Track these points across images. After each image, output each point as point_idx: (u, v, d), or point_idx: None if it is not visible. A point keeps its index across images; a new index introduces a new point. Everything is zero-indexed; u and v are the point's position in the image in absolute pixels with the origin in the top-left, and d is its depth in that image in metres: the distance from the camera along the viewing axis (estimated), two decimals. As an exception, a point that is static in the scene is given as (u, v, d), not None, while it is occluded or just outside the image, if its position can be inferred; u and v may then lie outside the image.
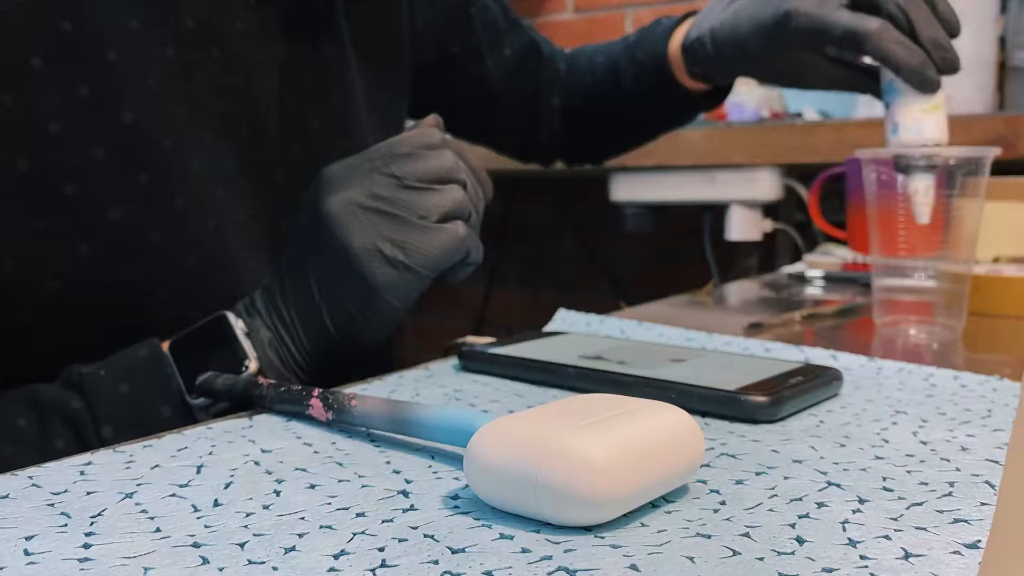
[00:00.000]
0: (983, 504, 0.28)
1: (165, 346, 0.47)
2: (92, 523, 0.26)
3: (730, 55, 0.68)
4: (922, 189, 0.55)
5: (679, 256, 1.81)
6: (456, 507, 0.28)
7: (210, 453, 0.33)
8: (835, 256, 0.93)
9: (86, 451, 0.40)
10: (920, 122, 0.56)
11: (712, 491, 0.29)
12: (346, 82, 0.62)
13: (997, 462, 0.32)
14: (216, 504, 0.28)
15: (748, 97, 1.58)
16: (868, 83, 0.63)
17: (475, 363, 0.47)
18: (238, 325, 0.46)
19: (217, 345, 0.46)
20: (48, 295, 0.47)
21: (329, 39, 0.61)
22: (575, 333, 0.54)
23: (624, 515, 0.27)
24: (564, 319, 0.59)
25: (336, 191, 0.46)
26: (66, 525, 0.26)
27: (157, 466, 0.32)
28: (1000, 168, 0.64)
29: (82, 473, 0.31)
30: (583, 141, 0.87)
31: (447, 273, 0.49)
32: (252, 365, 0.46)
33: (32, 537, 0.25)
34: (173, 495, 0.29)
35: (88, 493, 0.29)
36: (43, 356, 0.48)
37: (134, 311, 0.50)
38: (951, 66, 0.57)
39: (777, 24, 0.61)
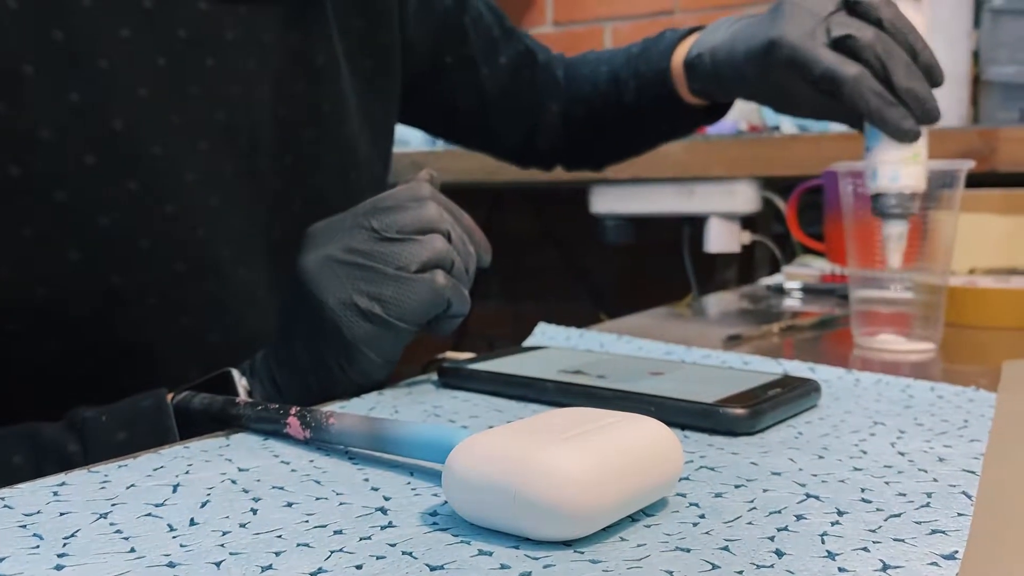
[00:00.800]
0: (960, 515, 0.28)
1: (171, 397, 0.46)
2: (65, 544, 0.26)
3: (728, 75, 0.68)
4: (895, 235, 0.55)
5: (659, 268, 1.82)
6: (435, 523, 0.28)
7: (186, 472, 0.33)
8: (813, 268, 0.94)
9: None
10: (897, 171, 0.55)
11: (691, 504, 0.29)
12: (338, 92, 0.62)
13: (973, 472, 0.32)
14: (192, 523, 0.28)
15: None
16: (853, 118, 0.63)
17: (454, 379, 0.47)
18: (241, 383, 0.46)
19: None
20: (38, 301, 0.47)
21: (321, 49, 0.61)
22: (555, 347, 0.54)
23: (603, 529, 0.27)
24: (544, 333, 0.59)
25: (315, 248, 0.45)
26: (38, 547, 0.26)
27: (132, 486, 0.31)
28: (975, 181, 0.64)
29: (55, 494, 0.30)
30: (584, 149, 0.87)
31: (431, 325, 0.46)
32: None
33: (3, 559, 0.25)
34: (148, 515, 0.29)
35: (61, 514, 0.29)
36: (33, 362, 0.48)
37: (124, 318, 0.50)
38: (930, 117, 0.56)
39: (764, 51, 0.61)
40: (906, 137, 0.56)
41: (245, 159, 0.55)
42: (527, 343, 0.57)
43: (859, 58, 0.57)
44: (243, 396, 0.45)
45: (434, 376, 0.48)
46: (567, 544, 0.26)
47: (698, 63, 0.71)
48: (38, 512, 0.29)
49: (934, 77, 0.58)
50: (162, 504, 0.29)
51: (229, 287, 0.53)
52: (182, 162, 0.51)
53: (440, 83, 0.78)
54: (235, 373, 0.46)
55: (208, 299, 0.52)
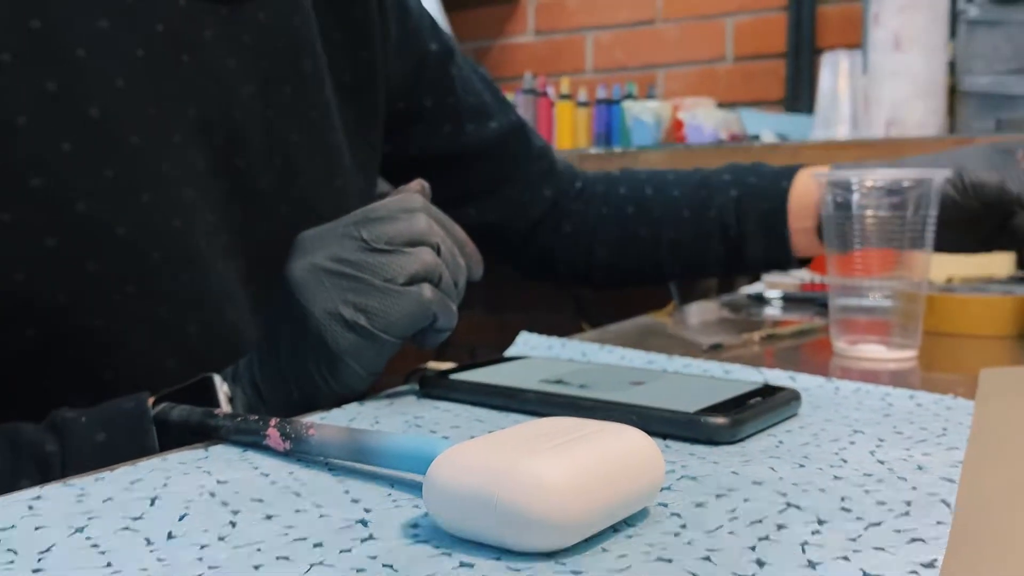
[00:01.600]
0: (939, 523, 0.28)
1: (152, 401, 0.46)
2: (40, 559, 0.26)
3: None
4: None
5: (641, 277, 1.82)
6: (416, 536, 0.27)
7: (164, 485, 0.32)
8: (793, 277, 0.94)
9: None
10: None
11: (673, 514, 0.29)
12: (323, 100, 0.63)
13: (952, 480, 0.32)
14: (170, 537, 0.27)
15: (707, 120, 1.61)
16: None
17: (436, 389, 0.47)
18: (222, 389, 0.45)
19: (202, 407, 0.45)
20: (14, 287, 0.47)
21: (307, 55, 0.61)
22: (536, 357, 0.54)
23: (585, 540, 0.26)
24: (526, 343, 0.59)
25: (304, 256, 0.45)
26: (13, 562, 0.26)
27: (109, 499, 0.31)
28: (951, 189, 0.65)
29: (31, 508, 0.30)
30: (590, 259, 0.81)
31: (416, 338, 0.46)
32: None
33: (-23, 575, 0.25)
34: (126, 528, 0.28)
35: (37, 528, 0.28)
36: (9, 348, 0.48)
37: (101, 306, 0.50)
38: None
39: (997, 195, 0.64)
40: None
41: (222, 156, 0.55)
42: (509, 352, 0.57)
43: None
44: (224, 402, 0.45)
45: (415, 386, 0.48)
46: (549, 555, 0.26)
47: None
48: (12, 526, 0.28)
49: None
50: (140, 517, 0.29)
51: (207, 281, 0.53)
52: (158, 153, 0.51)
53: (415, 127, 0.75)
54: (216, 379, 0.45)
55: (186, 291, 0.52)
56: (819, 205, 0.69)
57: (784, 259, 0.75)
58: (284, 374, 0.45)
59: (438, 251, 0.45)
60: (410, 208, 0.45)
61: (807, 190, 0.73)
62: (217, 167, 0.55)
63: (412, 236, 0.44)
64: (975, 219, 0.65)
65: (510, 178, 0.79)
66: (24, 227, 0.47)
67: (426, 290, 0.44)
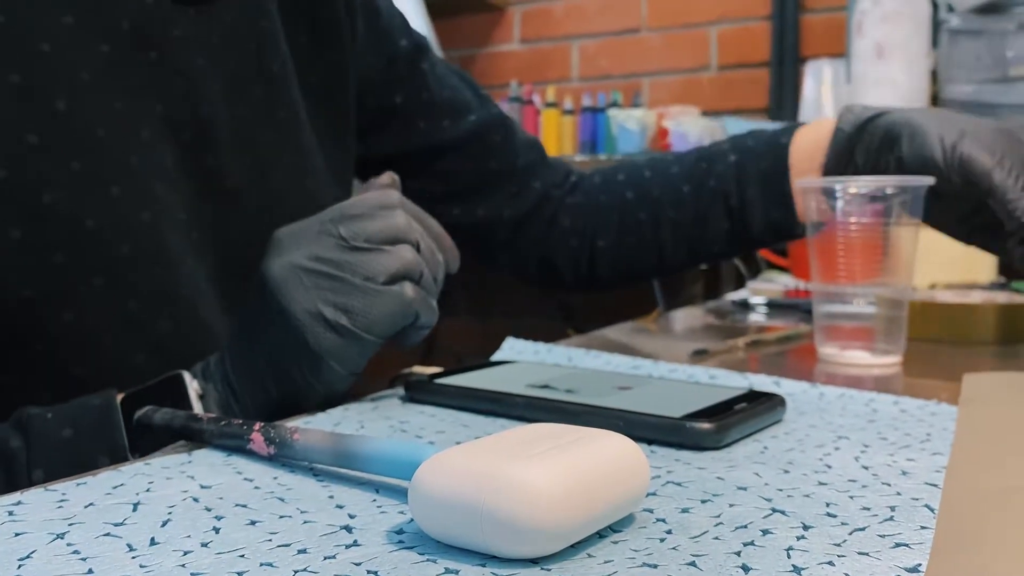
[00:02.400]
0: (923, 528, 0.28)
1: (121, 397, 0.45)
2: (20, 566, 0.25)
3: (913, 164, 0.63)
4: None
5: (626, 284, 1.83)
6: (401, 542, 0.27)
7: (147, 490, 0.32)
8: (777, 283, 0.95)
9: (13, 490, 0.39)
10: None
11: (658, 520, 0.29)
12: (292, 99, 0.63)
13: (936, 485, 0.32)
14: (153, 543, 0.27)
15: (691, 128, 1.61)
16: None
17: (421, 394, 0.46)
18: (192, 386, 0.45)
19: (171, 404, 0.45)
20: None
21: (274, 56, 0.62)
22: (523, 362, 0.54)
23: (571, 546, 0.26)
24: (512, 348, 0.59)
25: (281, 254, 0.45)
26: (-8, 569, 0.25)
27: (91, 504, 0.31)
28: (934, 197, 0.65)
29: (11, 514, 0.30)
30: (593, 258, 0.78)
31: (398, 337, 0.46)
32: None
33: (-45, 582, 0.24)
34: (107, 534, 0.28)
35: (16, 535, 0.28)
36: None
37: (71, 299, 0.49)
38: None
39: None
40: None
41: (190, 154, 0.55)
42: (495, 357, 0.57)
43: None
44: (194, 399, 0.45)
45: (401, 391, 0.48)
46: (534, 562, 0.26)
47: (885, 131, 0.64)
48: (-8, 533, 0.28)
49: None
50: (122, 523, 0.29)
51: (177, 277, 0.53)
52: (126, 147, 0.51)
53: (389, 125, 0.74)
54: (186, 376, 0.45)
55: (156, 286, 0.52)
56: (825, 160, 0.67)
57: (790, 222, 0.71)
58: (260, 372, 0.45)
59: (417, 248, 0.45)
60: (388, 204, 0.45)
61: (809, 144, 0.69)
62: (186, 164, 0.55)
63: (391, 234, 0.44)
64: (954, 194, 0.62)
65: (495, 171, 0.77)
66: None
67: (407, 288, 0.44)
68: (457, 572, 0.25)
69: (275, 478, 0.34)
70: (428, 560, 0.26)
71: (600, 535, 0.28)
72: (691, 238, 0.74)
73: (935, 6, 1.34)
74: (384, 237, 0.44)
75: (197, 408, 0.45)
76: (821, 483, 0.33)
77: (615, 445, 0.29)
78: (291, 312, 0.43)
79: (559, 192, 0.79)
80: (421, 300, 0.44)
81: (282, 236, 0.46)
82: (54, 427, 0.44)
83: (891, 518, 0.29)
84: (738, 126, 1.69)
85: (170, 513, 0.30)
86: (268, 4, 0.62)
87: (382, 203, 0.45)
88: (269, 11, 0.62)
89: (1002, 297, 0.70)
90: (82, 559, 0.26)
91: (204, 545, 0.27)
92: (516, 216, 0.78)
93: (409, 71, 0.74)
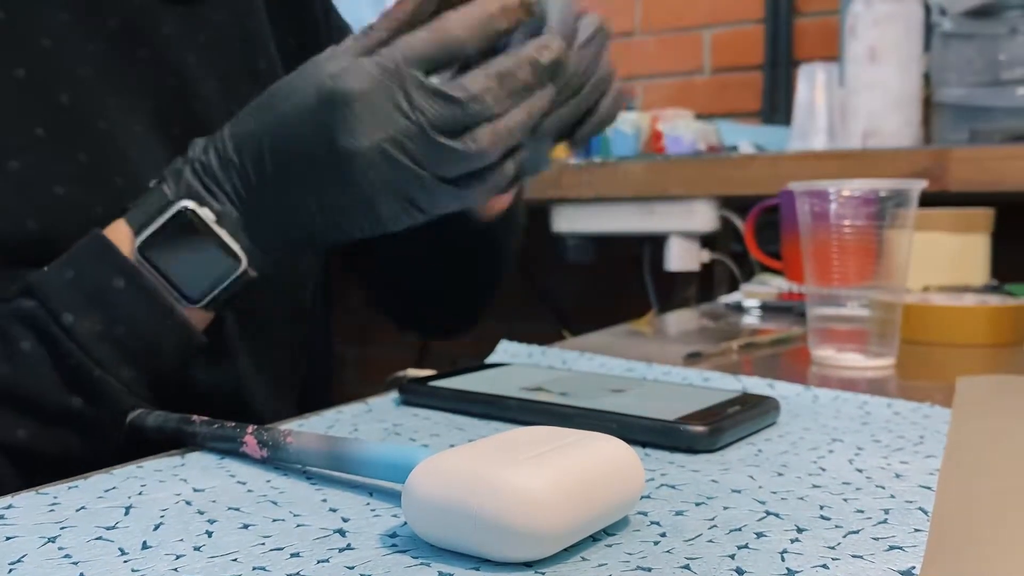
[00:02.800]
0: (917, 530, 0.28)
1: (107, 229, 0.46)
2: (10, 570, 0.25)
3: None
4: None
5: (620, 286, 1.83)
6: (394, 545, 0.27)
7: (139, 493, 0.32)
8: (771, 286, 0.95)
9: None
10: None
11: (652, 523, 0.29)
12: None
13: (929, 488, 0.32)
14: (145, 547, 0.27)
15: (685, 131, 1.61)
16: None
17: (415, 397, 0.46)
18: (206, 215, 0.46)
19: (191, 245, 0.46)
20: None
21: (261, 57, 0.62)
22: (517, 365, 0.53)
23: (565, 550, 0.26)
24: (506, 351, 0.59)
25: (366, 129, 0.43)
26: (-17, 573, 0.25)
27: (83, 508, 0.30)
28: (927, 200, 0.66)
29: (1, 517, 0.29)
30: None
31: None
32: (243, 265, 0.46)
33: (-55, 587, 0.24)
34: (99, 538, 0.28)
35: (7, 538, 0.28)
36: None
37: None
38: None
39: None
40: None
41: (181, 149, 0.56)
42: (489, 360, 0.57)
43: None
44: (226, 238, 0.46)
45: (395, 393, 0.48)
46: (528, 565, 0.25)
47: None
48: (-17, 537, 0.28)
49: None
50: (113, 527, 0.29)
51: None
52: (124, 139, 0.52)
53: None
54: (191, 206, 0.45)
55: None
56: None
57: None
58: (310, 214, 0.46)
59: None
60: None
61: None
62: (175, 159, 0.55)
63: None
64: None
65: None
66: (5, 211, 0.47)
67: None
68: (451, 575, 0.25)
69: (268, 481, 0.33)
70: (422, 564, 0.26)
71: (594, 538, 0.28)
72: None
73: (927, 9, 1.35)
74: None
75: (234, 247, 0.46)
76: (815, 486, 0.33)
77: (609, 448, 0.28)
78: (375, 203, 0.44)
79: None
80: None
81: (353, 96, 0.43)
82: (56, 274, 0.45)
83: (885, 521, 0.29)
84: (732, 129, 1.69)
85: (162, 516, 0.30)
86: (256, 5, 0.63)
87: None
88: (257, 9, 0.63)
89: (995, 300, 0.70)
90: (73, 563, 0.26)
91: (197, 549, 0.27)
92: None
93: None
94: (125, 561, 0.26)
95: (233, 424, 0.37)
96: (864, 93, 1.33)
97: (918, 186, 0.57)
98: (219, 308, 0.48)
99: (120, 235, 0.46)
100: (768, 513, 0.30)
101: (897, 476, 0.34)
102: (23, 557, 0.26)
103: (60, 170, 0.49)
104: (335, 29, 0.72)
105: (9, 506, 0.31)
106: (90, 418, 0.44)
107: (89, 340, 0.43)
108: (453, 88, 0.43)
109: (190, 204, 0.46)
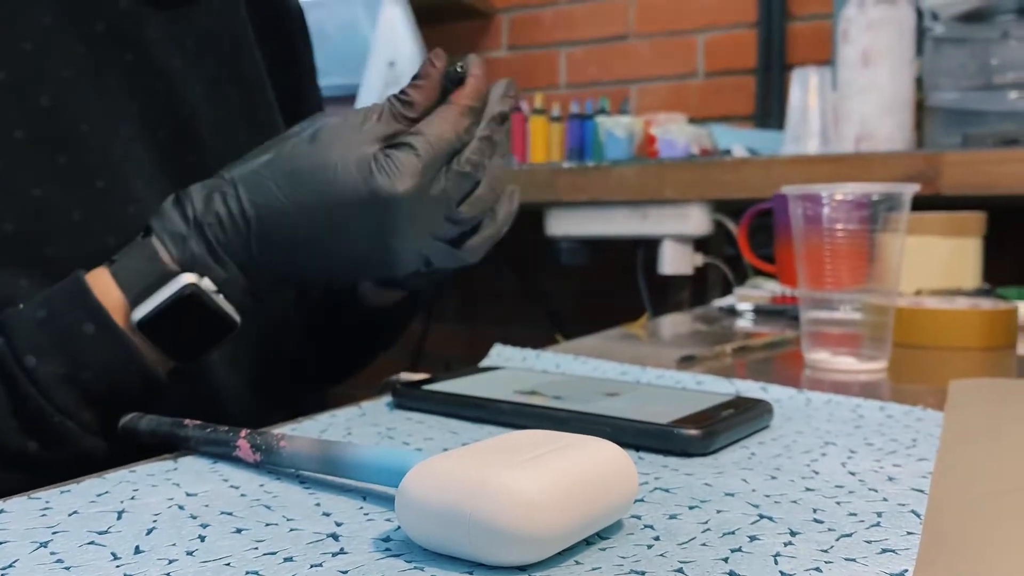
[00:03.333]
0: (909, 533, 0.28)
1: (89, 274, 0.46)
2: (2, 575, 0.25)
3: None
4: None
5: (613, 290, 1.83)
6: (388, 550, 0.27)
7: (132, 498, 0.32)
8: (764, 289, 0.95)
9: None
10: None
11: (646, 526, 0.29)
12: (267, 101, 0.64)
13: (922, 491, 0.32)
14: (137, 551, 0.27)
15: (679, 135, 1.62)
16: None
17: (409, 400, 0.46)
18: (208, 286, 0.46)
19: (188, 315, 0.45)
20: None
21: (247, 62, 0.63)
22: (510, 368, 0.53)
23: (558, 553, 0.26)
24: (500, 354, 0.59)
25: (415, 182, 0.46)
26: (-26, 578, 0.25)
27: (75, 512, 0.30)
28: (920, 204, 0.66)
29: (-7, 522, 0.29)
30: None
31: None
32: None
33: (-63, 592, 0.24)
34: (91, 543, 0.28)
35: (-1, 543, 0.28)
36: None
37: None
38: None
39: None
40: None
41: (168, 152, 0.56)
42: (483, 364, 0.57)
43: None
44: (224, 305, 0.46)
45: (388, 397, 0.48)
46: (522, 569, 0.25)
47: None
48: (-25, 542, 0.28)
49: None
50: (106, 531, 0.29)
51: None
52: (107, 142, 0.52)
53: None
54: (192, 280, 0.45)
55: None
56: None
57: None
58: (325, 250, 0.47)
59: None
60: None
61: None
62: (165, 163, 0.56)
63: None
64: None
65: None
66: None
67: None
68: (444, 579, 0.25)
69: (261, 485, 0.33)
70: (415, 568, 0.26)
71: (588, 542, 0.28)
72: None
73: (920, 14, 1.35)
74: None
75: (229, 311, 0.46)
76: (808, 489, 0.33)
77: (603, 451, 0.29)
78: (398, 250, 0.48)
79: None
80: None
81: (408, 159, 0.46)
82: (28, 312, 0.44)
83: (878, 524, 0.29)
84: (725, 133, 1.70)
85: (155, 521, 0.30)
86: (240, 12, 0.63)
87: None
88: (242, 18, 0.63)
89: (987, 304, 0.70)
90: (65, 568, 0.26)
91: (189, 553, 0.27)
92: None
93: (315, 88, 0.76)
94: (118, 566, 0.26)
95: (226, 428, 0.37)
96: (857, 97, 1.33)
97: (910, 190, 0.58)
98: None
99: (104, 286, 0.45)
100: (761, 516, 0.30)
101: (890, 479, 0.34)
102: (15, 562, 0.26)
103: (38, 172, 0.49)
104: (309, 45, 0.73)
105: (0, 511, 0.30)
106: (46, 460, 0.43)
107: (51, 384, 0.43)
108: (464, 164, 0.48)
109: (193, 279, 0.45)
